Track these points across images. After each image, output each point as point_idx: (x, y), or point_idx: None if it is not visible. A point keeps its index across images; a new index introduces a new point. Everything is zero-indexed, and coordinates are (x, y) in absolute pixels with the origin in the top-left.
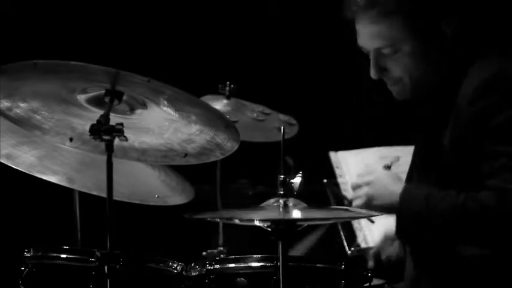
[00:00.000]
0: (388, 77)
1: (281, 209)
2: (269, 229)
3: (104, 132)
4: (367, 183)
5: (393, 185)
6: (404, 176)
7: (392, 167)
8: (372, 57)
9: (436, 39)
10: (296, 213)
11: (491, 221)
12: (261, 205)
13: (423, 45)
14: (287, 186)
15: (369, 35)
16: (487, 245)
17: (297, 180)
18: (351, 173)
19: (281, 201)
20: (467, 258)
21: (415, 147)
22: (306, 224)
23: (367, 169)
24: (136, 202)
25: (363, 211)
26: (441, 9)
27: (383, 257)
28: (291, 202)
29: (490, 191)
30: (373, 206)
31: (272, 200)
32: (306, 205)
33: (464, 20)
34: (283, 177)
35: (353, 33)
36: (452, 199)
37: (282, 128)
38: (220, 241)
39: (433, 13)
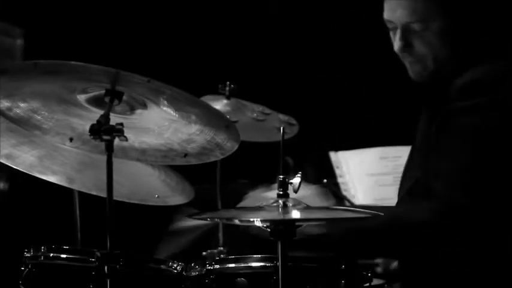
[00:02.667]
0: (411, 54)
1: (280, 210)
2: (268, 229)
3: (104, 132)
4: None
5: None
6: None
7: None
8: (399, 30)
9: (464, 25)
10: (295, 214)
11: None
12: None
13: (452, 27)
14: (286, 186)
15: (400, 8)
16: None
17: (296, 180)
18: (351, 173)
19: (280, 201)
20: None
21: (418, 130)
22: (305, 224)
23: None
24: (136, 202)
25: (363, 211)
26: None
27: (392, 265)
28: (290, 202)
29: (433, 204)
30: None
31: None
32: (305, 205)
33: (491, 14)
34: (283, 178)
35: (353, 34)
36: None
37: (282, 128)
38: (220, 241)
39: None
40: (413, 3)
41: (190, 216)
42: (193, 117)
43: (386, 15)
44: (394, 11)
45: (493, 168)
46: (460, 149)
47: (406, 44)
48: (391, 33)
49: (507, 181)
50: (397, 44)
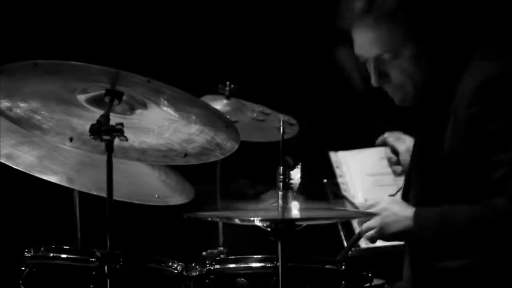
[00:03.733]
0: (389, 84)
1: (280, 209)
2: (268, 229)
3: (104, 132)
4: (377, 213)
5: (403, 210)
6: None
7: (397, 195)
8: (371, 65)
9: (435, 40)
10: (295, 213)
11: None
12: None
13: (423, 47)
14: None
15: (367, 42)
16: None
17: (296, 172)
18: (351, 173)
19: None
20: (451, 269)
21: (413, 153)
22: (305, 223)
23: (372, 200)
24: (136, 202)
25: (363, 211)
26: (435, 10)
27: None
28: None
29: (502, 197)
30: (387, 235)
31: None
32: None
33: (461, 21)
34: (283, 177)
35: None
36: (468, 212)
37: (282, 128)
38: (220, 241)
39: (429, 14)
40: (379, 35)
41: (189, 216)
42: (193, 117)
43: (356, 51)
44: (361, 46)
45: None
46: (503, 145)
47: (382, 75)
48: (367, 66)
49: None
50: (372, 78)
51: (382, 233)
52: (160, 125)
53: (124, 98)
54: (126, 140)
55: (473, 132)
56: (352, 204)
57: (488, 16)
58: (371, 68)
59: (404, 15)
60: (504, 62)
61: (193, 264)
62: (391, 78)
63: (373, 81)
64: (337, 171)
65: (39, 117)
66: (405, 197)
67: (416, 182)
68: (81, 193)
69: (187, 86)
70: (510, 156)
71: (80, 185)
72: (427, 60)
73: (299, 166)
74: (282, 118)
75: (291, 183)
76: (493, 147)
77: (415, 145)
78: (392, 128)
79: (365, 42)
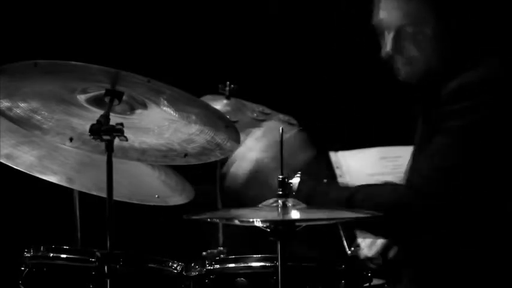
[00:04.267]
0: (400, 57)
1: (280, 210)
2: (268, 229)
3: (104, 132)
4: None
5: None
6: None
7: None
8: (391, 34)
9: (457, 28)
10: (295, 214)
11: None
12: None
13: (445, 31)
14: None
15: (394, 10)
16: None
17: (295, 180)
18: (351, 173)
19: (280, 201)
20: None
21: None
22: (304, 224)
23: None
24: (136, 202)
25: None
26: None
27: (391, 254)
28: (289, 202)
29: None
30: None
31: (271, 201)
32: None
33: (483, 17)
34: (282, 178)
35: (353, 34)
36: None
37: (281, 128)
38: (220, 241)
39: (459, 2)
40: (408, 6)
41: (189, 217)
42: (193, 117)
43: (380, 15)
44: (388, 13)
45: (474, 171)
46: (444, 149)
47: (398, 46)
48: (381, 37)
49: (488, 183)
50: (388, 46)
51: None
52: (160, 125)
53: (124, 98)
54: (126, 140)
55: (429, 131)
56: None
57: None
58: (389, 36)
59: None
60: (488, 70)
61: (193, 264)
62: (405, 52)
63: (387, 49)
64: (337, 171)
65: (39, 117)
66: None
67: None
68: (81, 193)
69: (187, 86)
70: (430, 166)
71: (80, 185)
72: (444, 44)
73: (299, 174)
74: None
75: (290, 184)
76: (424, 154)
77: (418, 124)
78: (392, 128)
79: (392, 10)
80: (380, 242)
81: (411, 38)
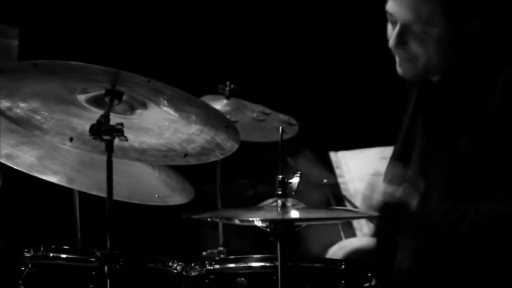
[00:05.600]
0: (404, 51)
1: (279, 209)
2: (268, 229)
3: (104, 132)
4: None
5: None
6: None
7: None
8: (398, 27)
9: (465, 32)
10: (294, 214)
11: None
12: (259, 205)
13: (451, 34)
14: (285, 186)
15: (404, 5)
16: None
17: (295, 180)
18: (351, 173)
19: (279, 201)
20: None
21: (424, 155)
22: (304, 224)
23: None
24: (136, 202)
25: (363, 211)
26: (479, 5)
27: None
28: (289, 202)
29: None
30: None
31: (270, 200)
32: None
33: (496, 22)
34: (282, 178)
35: (353, 34)
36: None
37: (280, 128)
38: (220, 241)
39: (472, 7)
40: (418, 5)
41: (188, 216)
42: (193, 117)
43: (388, 6)
44: (398, 7)
45: None
46: None
47: (402, 42)
48: (388, 25)
49: None
50: (393, 39)
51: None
52: (160, 125)
53: (124, 98)
54: (126, 140)
55: (503, 133)
56: (352, 204)
57: None
58: (395, 29)
59: None
60: None
61: (193, 264)
62: (409, 48)
63: (392, 43)
64: (337, 171)
65: (39, 117)
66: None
67: (439, 182)
68: (81, 193)
69: (187, 86)
70: None
71: (80, 185)
72: (451, 47)
73: (298, 174)
74: (281, 127)
75: (290, 183)
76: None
77: (417, 125)
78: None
79: (403, 5)
80: (350, 248)
81: (416, 37)
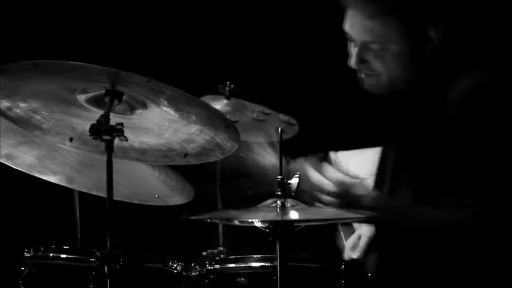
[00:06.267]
0: (366, 68)
1: (278, 210)
2: (267, 230)
3: (104, 132)
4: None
5: None
6: None
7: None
8: (356, 47)
9: (423, 43)
10: (294, 214)
11: None
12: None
13: (410, 47)
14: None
15: (360, 27)
16: None
17: (294, 181)
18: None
19: (279, 202)
20: None
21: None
22: (303, 224)
23: None
24: (136, 202)
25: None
26: (433, 14)
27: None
28: (288, 203)
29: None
30: None
31: (270, 201)
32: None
33: (454, 28)
34: (281, 178)
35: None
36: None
37: (280, 128)
38: (220, 241)
39: (426, 17)
40: (374, 25)
41: (187, 217)
42: (193, 117)
43: (346, 27)
44: (353, 28)
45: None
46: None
47: (362, 60)
48: (348, 43)
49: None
50: (353, 59)
51: None
52: (160, 125)
53: (124, 98)
54: (126, 140)
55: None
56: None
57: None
58: (354, 50)
59: (401, 15)
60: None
61: (193, 264)
62: (370, 65)
63: (352, 62)
64: None
65: (39, 117)
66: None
67: (409, 182)
68: (81, 193)
69: (187, 86)
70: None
71: (80, 185)
72: (412, 60)
73: (297, 175)
74: (280, 127)
75: (289, 184)
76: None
77: (394, 149)
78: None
79: (357, 26)
80: (363, 243)
81: (376, 54)
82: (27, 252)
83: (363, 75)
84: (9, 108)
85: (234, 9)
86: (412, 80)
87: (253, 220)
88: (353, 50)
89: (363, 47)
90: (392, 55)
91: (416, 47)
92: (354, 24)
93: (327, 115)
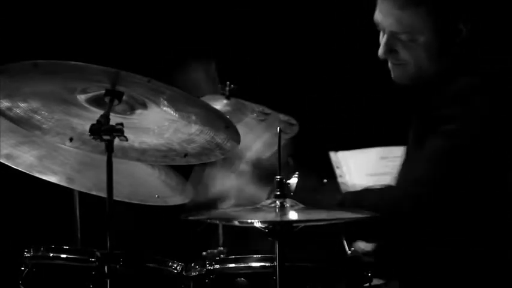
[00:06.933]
0: (394, 58)
1: (277, 210)
2: (266, 230)
3: (104, 132)
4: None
5: None
6: None
7: None
8: (385, 37)
9: (451, 36)
10: (293, 215)
11: None
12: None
13: (439, 39)
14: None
15: (390, 17)
16: None
17: (293, 181)
18: (351, 173)
19: (278, 202)
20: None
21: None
22: (302, 224)
23: None
24: (136, 202)
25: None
26: (463, 7)
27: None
28: (287, 203)
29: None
30: None
31: (269, 201)
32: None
33: (481, 24)
34: (280, 178)
35: (353, 34)
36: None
37: (279, 128)
38: (220, 241)
39: (455, 10)
40: (403, 16)
41: (186, 217)
42: (193, 117)
43: (376, 16)
44: (383, 17)
45: (468, 175)
46: (439, 152)
47: (391, 50)
48: (380, 32)
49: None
50: (382, 47)
51: None
52: (160, 125)
53: (124, 98)
54: (126, 140)
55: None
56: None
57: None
58: (383, 39)
59: (431, 6)
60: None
61: (193, 264)
62: (398, 55)
63: (381, 51)
64: (337, 171)
65: (39, 117)
66: None
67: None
68: (81, 193)
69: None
70: (441, 168)
71: (80, 185)
72: (439, 52)
73: (296, 175)
74: (279, 127)
75: (288, 184)
76: (434, 153)
77: (412, 125)
78: (392, 128)
79: (387, 16)
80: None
81: (404, 45)
82: (27, 252)
83: (390, 65)
84: (9, 108)
85: (234, 9)
86: (439, 71)
87: (253, 220)
88: (382, 40)
89: (392, 37)
90: (421, 46)
91: (444, 39)
92: (383, 14)
93: (327, 115)
